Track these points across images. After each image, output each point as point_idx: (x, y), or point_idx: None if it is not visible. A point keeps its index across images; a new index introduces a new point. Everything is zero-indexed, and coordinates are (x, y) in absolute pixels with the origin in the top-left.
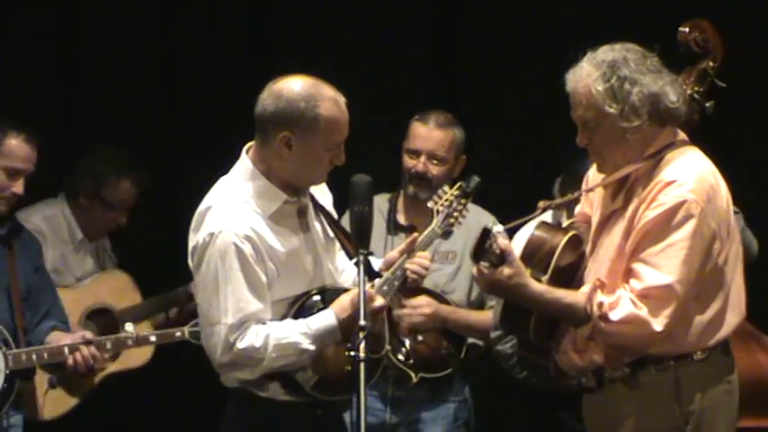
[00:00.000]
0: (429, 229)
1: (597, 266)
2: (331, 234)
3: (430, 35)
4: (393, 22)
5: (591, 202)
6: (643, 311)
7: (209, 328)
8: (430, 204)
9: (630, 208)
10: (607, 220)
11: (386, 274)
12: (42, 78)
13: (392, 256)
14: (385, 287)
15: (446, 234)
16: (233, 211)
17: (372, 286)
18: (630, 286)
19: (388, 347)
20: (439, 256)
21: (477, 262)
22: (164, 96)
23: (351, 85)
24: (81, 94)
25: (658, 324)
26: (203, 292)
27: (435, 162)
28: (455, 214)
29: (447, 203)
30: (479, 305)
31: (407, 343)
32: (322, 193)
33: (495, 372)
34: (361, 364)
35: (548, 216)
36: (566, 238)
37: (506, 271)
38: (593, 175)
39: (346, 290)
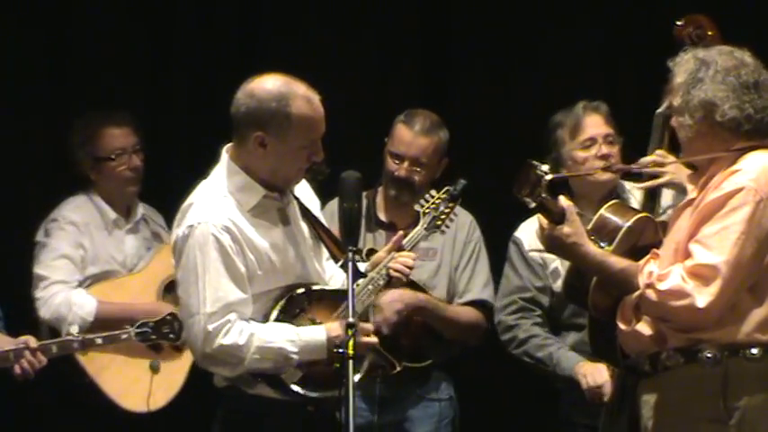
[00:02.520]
0: (416, 230)
1: (664, 249)
2: (318, 237)
3: (419, 37)
4: (383, 27)
5: None
6: (689, 286)
7: (189, 320)
8: (417, 207)
9: (701, 196)
10: (683, 208)
11: (371, 274)
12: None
13: (379, 256)
14: (370, 286)
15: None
16: (212, 204)
17: (358, 285)
18: (684, 264)
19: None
20: (420, 253)
21: (519, 195)
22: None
23: (341, 82)
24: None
25: (702, 300)
26: (184, 284)
27: (419, 168)
28: (442, 217)
29: (434, 207)
30: (452, 299)
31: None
32: (309, 198)
33: (480, 371)
34: (350, 362)
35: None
36: (636, 217)
37: (566, 229)
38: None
39: (334, 290)
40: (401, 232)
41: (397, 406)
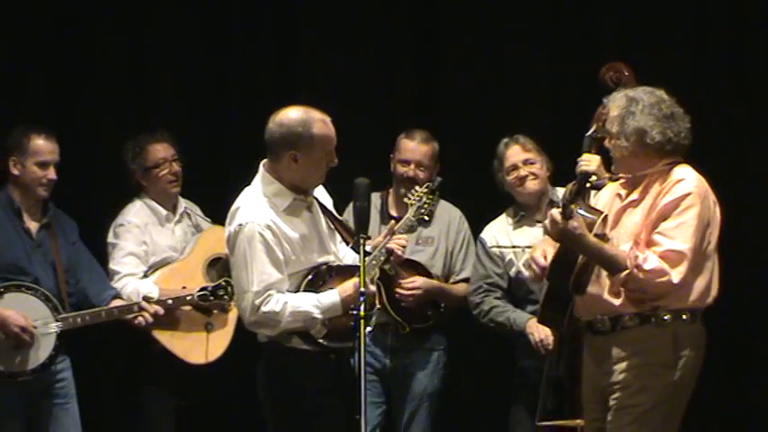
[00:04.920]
0: (405, 218)
1: (622, 240)
2: (333, 227)
3: (413, 65)
4: (384, 56)
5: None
6: (666, 266)
7: (240, 295)
8: (405, 200)
9: (648, 198)
10: (624, 209)
11: (374, 252)
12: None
13: (378, 240)
14: (373, 261)
15: (420, 221)
16: (256, 207)
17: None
18: (654, 250)
19: (378, 306)
20: (422, 241)
21: (573, 201)
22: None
23: (351, 105)
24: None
25: (676, 277)
26: (236, 268)
27: (422, 169)
28: (425, 207)
29: (418, 199)
30: (448, 276)
31: (403, 304)
32: (324, 197)
33: (467, 329)
34: (361, 321)
35: None
36: (602, 216)
37: (574, 224)
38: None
39: (348, 266)
40: (393, 221)
41: (404, 353)
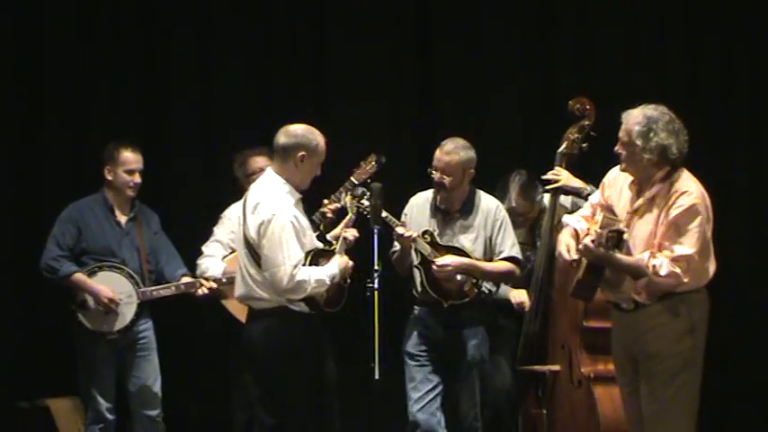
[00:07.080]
0: (347, 218)
1: (636, 243)
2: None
3: (416, 82)
4: (389, 78)
5: (609, 196)
6: (678, 270)
7: (276, 268)
8: (345, 203)
9: (655, 208)
10: (635, 213)
11: (337, 242)
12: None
13: (337, 232)
14: (336, 246)
15: (360, 217)
16: (281, 200)
17: (335, 244)
18: (664, 254)
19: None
20: (463, 228)
21: (608, 249)
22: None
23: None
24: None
25: (686, 277)
26: (272, 248)
27: (446, 174)
28: (359, 207)
29: (354, 204)
30: (491, 259)
31: (441, 283)
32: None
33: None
34: (375, 293)
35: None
36: (624, 223)
37: (601, 250)
38: (614, 177)
39: (324, 249)
40: (348, 219)
41: (458, 326)
